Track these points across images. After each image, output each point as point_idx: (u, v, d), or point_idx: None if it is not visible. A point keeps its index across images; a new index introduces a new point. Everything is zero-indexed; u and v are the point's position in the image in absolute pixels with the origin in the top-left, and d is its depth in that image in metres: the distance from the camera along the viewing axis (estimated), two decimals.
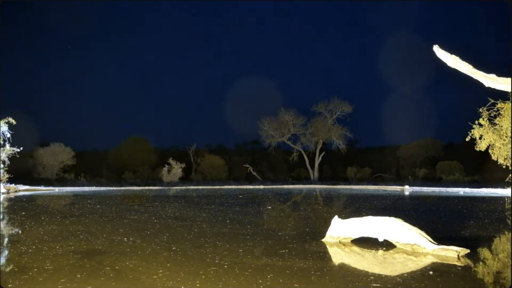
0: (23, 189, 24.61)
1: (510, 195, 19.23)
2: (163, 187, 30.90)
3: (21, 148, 23.47)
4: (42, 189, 26.08)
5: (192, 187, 31.88)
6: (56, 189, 26.51)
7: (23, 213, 11.98)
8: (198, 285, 4.57)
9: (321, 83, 78.36)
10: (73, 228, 9.02)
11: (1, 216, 11.57)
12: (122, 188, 29.54)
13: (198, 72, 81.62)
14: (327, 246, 6.95)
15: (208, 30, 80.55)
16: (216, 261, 5.67)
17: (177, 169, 36.10)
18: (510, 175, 16.70)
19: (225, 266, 5.36)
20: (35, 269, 5.24)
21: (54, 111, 68.77)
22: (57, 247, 6.77)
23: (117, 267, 5.34)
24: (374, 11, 75.57)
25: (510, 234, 8.62)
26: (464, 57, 6.96)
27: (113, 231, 8.55)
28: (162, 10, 77.21)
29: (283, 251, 6.43)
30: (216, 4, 72.94)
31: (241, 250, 6.44)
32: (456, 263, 5.74)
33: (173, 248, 6.65)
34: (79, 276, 4.93)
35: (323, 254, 6.28)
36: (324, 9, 77.40)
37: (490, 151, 16.77)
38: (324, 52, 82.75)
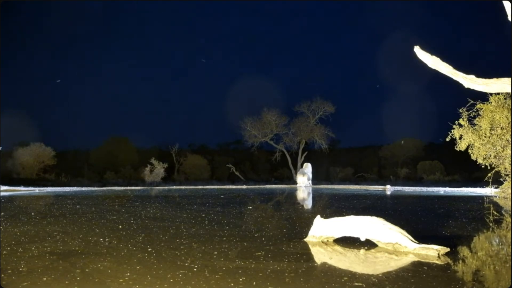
0: (3, 190, 24.08)
1: (492, 195, 19.50)
2: (145, 187, 30.57)
3: (0, 148, 23.02)
4: (22, 190, 25.55)
5: (174, 187, 31.62)
6: (37, 190, 26.00)
7: (2, 213, 11.73)
8: None
9: (304, 83, 78.59)
10: (51, 228, 8.85)
11: None
12: (104, 188, 29.15)
13: (180, 72, 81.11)
14: (310, 246, 6.93)
15: (192, 28, 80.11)
16: (187, 264, 5.56)
17: (160, 169, 35.79)
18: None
19: (195, 269, 5.24)
20: (9, 271, 5.11)
21: (35, 110, 67.53)
22: (33, 248, 6.63)
23: (87, 270, 5.23)
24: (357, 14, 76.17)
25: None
26: (444, 58, 7.01)
27: (91, 231, 8.41)
28: (140, 13, 76.56)
29: (259, 253, 6.33)
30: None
31: (215, 253, 6.33)
32: (436, 261, 5.80)
33: (148, 249, 6.55)
34: (45, 279, 4.81)
35: (301, 255, 6.21)
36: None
37: (469, 151, 17.00)
38: (308, 50, 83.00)
